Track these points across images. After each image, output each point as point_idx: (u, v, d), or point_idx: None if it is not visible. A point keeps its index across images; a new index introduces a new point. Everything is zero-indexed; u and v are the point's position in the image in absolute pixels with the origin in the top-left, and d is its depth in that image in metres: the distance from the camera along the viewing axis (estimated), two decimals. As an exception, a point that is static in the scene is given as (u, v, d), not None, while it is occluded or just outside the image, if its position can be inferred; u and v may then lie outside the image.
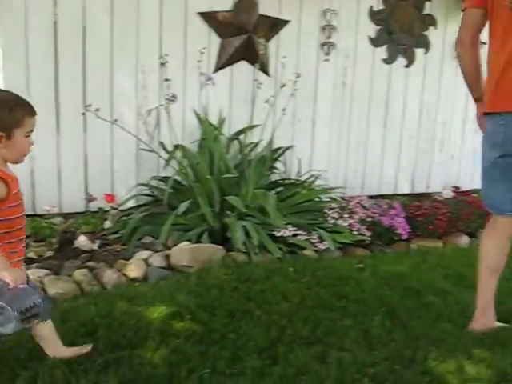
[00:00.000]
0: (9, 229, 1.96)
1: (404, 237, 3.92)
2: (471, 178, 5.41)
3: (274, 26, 4.34)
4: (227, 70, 4.25)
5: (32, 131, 1.98)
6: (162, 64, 3.92)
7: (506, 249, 2.69)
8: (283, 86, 4.13)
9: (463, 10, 2.60)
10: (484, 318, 2.74)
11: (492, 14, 2.51)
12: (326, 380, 2.20)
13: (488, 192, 2.66)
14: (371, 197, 4.83)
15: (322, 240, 3.57)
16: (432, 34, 4.94)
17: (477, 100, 2.68)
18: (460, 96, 5.15)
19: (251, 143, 4.20)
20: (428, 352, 2.48)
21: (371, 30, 4.67)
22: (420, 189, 5.19)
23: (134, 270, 3.17)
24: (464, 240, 4.10)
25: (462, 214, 4.18)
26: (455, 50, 2.68)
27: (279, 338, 2.50)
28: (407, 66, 4.87)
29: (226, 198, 3.63)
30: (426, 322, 2.74)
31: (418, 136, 5.05)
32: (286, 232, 3.51)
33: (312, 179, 4.22)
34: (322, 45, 4.49)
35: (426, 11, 4.89)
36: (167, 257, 3.35)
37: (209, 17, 4.13)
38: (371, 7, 4.63)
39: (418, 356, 2.43)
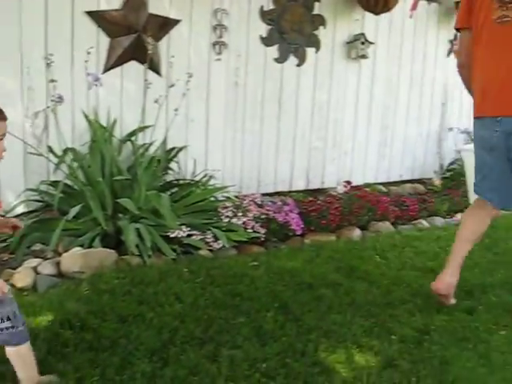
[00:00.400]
0: None
1: (298, 232, 3.99)
2: (363, 173, 5.61)
3: (165, 25, 4.29)
4: (117, 70, 4.15)
5: (5, 135, 1.87)
6: (47, 64, 3.78)
7: (486, 224, 3.09)
8: (172, 85, 4.08)
9: (457, 30, 2.94)
10: (451, 279, 3.06)
11: (483, 26, 2.76)
12: (217, 379, 2.20)
13: None
14: (268, 194, 4.90)
15: (216, 239, 3.57)
16: (322, 33, 5.06)
17: None
18: (351, 94, 5.33)
19: (144, 144, 4.13)
20: (319, 344, 2.54)
21: (262, 29, 4.72)
22: (315, 185, 5.30)
23: (21, 278, 3.04)
24: (356, 233, 4.22)
25: (353, 208, 4.31)
26: (458, 68, 3.00)
27: (171, 340, 2.47)
28: (299, 65, 4.96)
29: (119, 200, 3.55)
30: (317, 315, 2.81)
31: (311, 133, 5.16)
32: (180, 233, 3.48)
33: (206, 179, 4.22)
34: (214, 44, 4.49)
35: (316, 11, 4.99)
36: (58, 264, 3.24)
37: (97, 16, 4.01)
38: (262, 7, 4.68)
39: (308, 348, 2.49)
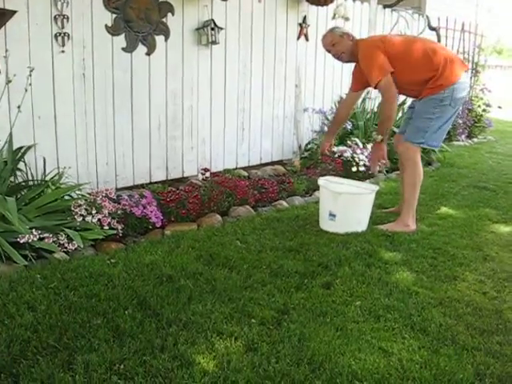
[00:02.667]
0: None
1: (158, 225, 3.92)
2: (223, 159, 5.63)
3: (0, 17, 4.00)
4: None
5: None
6: None
7: None
8: (9, 81, 3.84)
9: (383, 78, 4.02)
10: (412, 223, 4.23)
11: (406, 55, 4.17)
12: (70, 387, 2.10)
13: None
14: (128, 188, 4.78)
15: (71, 240, 3.41)
16: (170, 20, 4.98)
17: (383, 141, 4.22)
18: (204, 80, 5.31)
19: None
20: (178, 337, 2.51)
21: (107, 18, 4.55)
22: (176, 175, 5.24)
23: None
24: (217, 219, 4.22)
25: (212, 195, 4.31)
26: (392, 103, 4.14)
27: (22, 353, 2.33)
28: (148, 54, 4.85)
29: (-41, 208, 3.29)
30: (177, 307, 2.77)
31: (167, 123, 5.08)
32: (31, 237, 3.29)
33: (57, 178, 4.02)
34: (56, 36, 4.26)
35: (163, -2, 4.91)
36: None
37: None
38: (105, -5, 4.52)
39: (168, 343, 2.45)
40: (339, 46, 4.37)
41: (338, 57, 4.46)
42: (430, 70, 4.11)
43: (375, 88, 4.16)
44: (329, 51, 4.47)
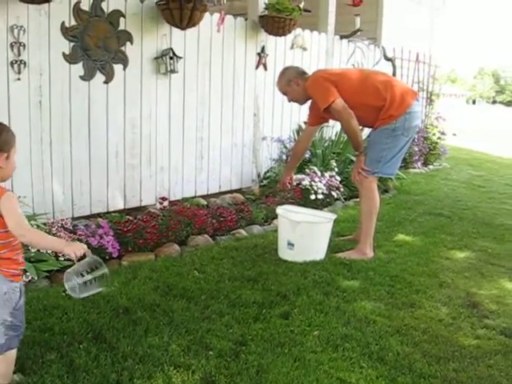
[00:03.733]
0: None
1: (115, 255, 3.86)
2: (182, 187, 5.61)
3: (-46, 44, 3.95)
4: None
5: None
6: None
7: None
8: (-38, 109, 3.78)
9: (334, 101, 4.16)
10: (370, 250, 4.28)
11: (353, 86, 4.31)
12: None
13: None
14: (85, 217, 4.71)
15: (24, 272, 3.33)
16: (129, 49, 4.97)
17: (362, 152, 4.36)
18: (163, 109, 5.31)
19: None
20: (134, 371, 2.46)
21: (65, 46, 4.52)
22: (134, 203, 5.19)
23: None
24: (175, 249, 4.18)
25: (171, 224, 4.28)
26: (351, 121, 4.22)
27: (-30, 391, 2.25)
28: (106, 82, 4.83)
29: None
30: (133, 340, 2.73)
31: (125, 151, 5.04)
32: (-17, 268, 3.20)
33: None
34: (12, 63, 4.21)
35: (122, 27, 4.90)
36: None
37: None
38: (63, 23, 4.48)
39: (123, 377, 2.41)
40: (289, 93, 4.59)
41: (294, 101, 4.65)
42: (378, 100, 4.23)
43: (326, 110, 4.26)
44: (285, 95, 4.68)
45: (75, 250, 2.19)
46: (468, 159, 11.35)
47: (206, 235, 4.50)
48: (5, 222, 2.15)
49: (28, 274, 3.33)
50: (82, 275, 2.22)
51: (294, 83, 4.47)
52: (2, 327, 2.18)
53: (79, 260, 2.23)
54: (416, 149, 8.74)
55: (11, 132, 2.29)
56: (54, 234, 3.61)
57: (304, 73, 4.58)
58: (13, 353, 2.26)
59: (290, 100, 4.66)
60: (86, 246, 2.23)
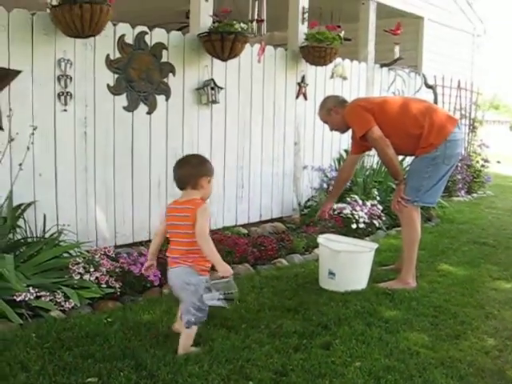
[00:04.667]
0: None
1: (156, 283, 3.89)
2: (223, 216, 5.63)
3: (5, 76, 4.09)
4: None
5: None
6: None
7: None
8: (12, 140, 3.90)
9: (370, 129, 4.15)
10: (412, 280, 4.23)
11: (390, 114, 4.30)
12: None
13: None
14: (127, 245, 4.77)
15: (67, 298, 3.39)
16: (171, 80, 5.08)
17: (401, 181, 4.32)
18: (204, 139, 5.37)
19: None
20: (174, 400, 2.46)
21: (109, 78, 4.65)
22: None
23: None
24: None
25: (212, 253, 4.29)
26: (387, 150, 4.17)
27: (13, 416, 2.28)
28: (149, 113, 4.93)
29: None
30: (173, 368, 2.73)
31: (167, 180, 5.10)
32: (28, 295, 3.26)
33: (56, 235, 4.03)
34: (59, 95, 4.34)
35: (164, 59, 5.01)
36: None
37: None
38: (108, 55, 4.61)
39: (164, 406, 2.40)
40: (330, 122, 4.62)
41: (335, 130, 4.66)
42: (416, 128, 4.20)
43: (363, 138, 4.26)
44: (326, 124, 4.72)
45: (224, 271, 2.83)
46: (513, 187, 11.11)
47: (246, 264, 4.50)
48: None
49: (71, 300, 3.38)
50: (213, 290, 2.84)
51: (333, 112, 4.49)
52: (193, 309, 2.87)
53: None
54: (459, 177, 8.60)
55: (209, 162, 3.12)
56: (96, 262, 3.67)
57: (344, 101, 4.59)
58: (195, 329, 2.93)
59: (332, 129, 4.68)
60: (231, 271, 2.88)
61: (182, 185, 3.00)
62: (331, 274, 4.05)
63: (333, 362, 2.91)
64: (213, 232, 4.92)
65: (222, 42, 4.96)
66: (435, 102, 8.34)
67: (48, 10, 4.09)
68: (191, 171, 2.98)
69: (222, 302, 2.81)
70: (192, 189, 2.98)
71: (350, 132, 4.61)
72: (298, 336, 3.19)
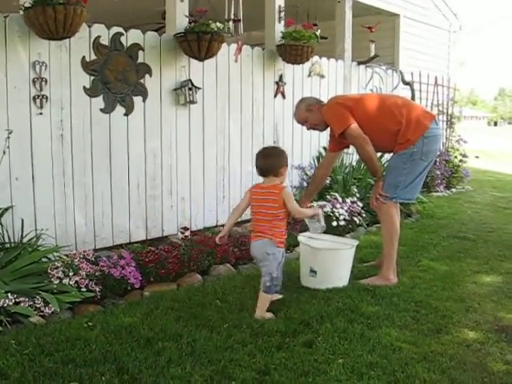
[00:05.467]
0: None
1: (137, 285, 3.86)
2: (203, 217, 5.61)
3: (-22, 80, 4.04)
4: None
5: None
6: None
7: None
8: (-14, 144, 3.85)
9: (348, 127, 4.18)
10: (393, 276, 4.24)
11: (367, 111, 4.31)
12: None
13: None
14: (107, 248, 4.73)
15: (47, 303, 3.34)
16: (148, 81, 5.05)
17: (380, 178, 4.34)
18: (183, 139, 5.35)
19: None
20: (156, 403, 2.44)
21: (86, 80, 4.60)
22: (156, 234, 5.20)
23: None
24: (197, 279, 4.17)
25: (192, 254, 4.28)
26: (366, 147, 4.18)
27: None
28: (126, 114, 4.89)
29: None
30: (155, 371, 2.72)
31: (146, 181, 5.08)
32: (6, 301, 3.22)
33: (35, 240, 3.98)
34: (35, 98, 4.29)
35: (140, 60, 4.98)
36: None
37: None
38: (83, 57, 4.57)
39: (145, 410, 2.38)
40: (310, 119, 4.55)
41: (313, 129, 4.63)
42: (393, 124, 4.22)
43: (341, 135, 4.26)
44: (303, 125, 4.63)
45: (313, 212, 3.80)
46: (491, 181, 11.22)
47: (228, 264, 4.49)
48: (284, 205, 3.50)
49: (51, 305, 3.34)
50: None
51: (313, 107, 4.47)
52: (270, 275, 3.47)
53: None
54: (438, 172, 8.67)
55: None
56: (76, 266, 3.63)
57: (321, 101, 4.59)
58: (269, 296, 3.51)
59: (309, 127, 4.65)
60: (317, 211, 3.86)
61: (265, 173, 3.60)
62: (312, 271, 4.05)
63: (315, 360, 2.91)
64: (193, 233, 4.92)
65: (198, 42, 4.94)
66: (413, 98, 8.39)
67: (21, 12, 4.04)
68: (274, 162, 3.60)
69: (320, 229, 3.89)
70: (273, 176, 3.58)
71: (328, 130, 4.61)
72: (280, 335, 3.19)
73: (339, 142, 4.47)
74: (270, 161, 3.60)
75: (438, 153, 4.69)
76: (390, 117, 4.24)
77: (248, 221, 5.84)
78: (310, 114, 4.50)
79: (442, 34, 10.30)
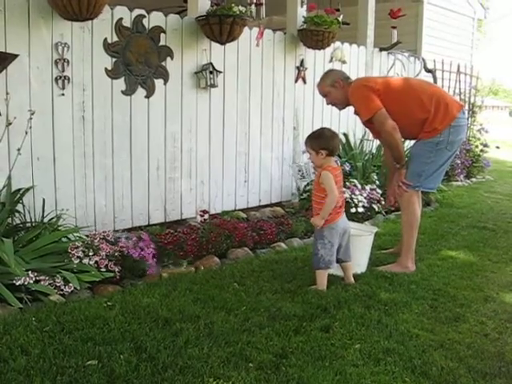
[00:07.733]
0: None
1: (154, 268, 3.89)
2: (222, 201, 5.63)
3: (2, 60, 4.05)
4: None
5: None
6: None
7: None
8: (9, 124, 3.88)
9: (376, 112, 4.05)
10: (411, 264, 4.21)
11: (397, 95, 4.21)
12: None
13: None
14: (126, 230, 4.76)
15: (67, 282, 3.38)
16: (170, 64, 5.04)
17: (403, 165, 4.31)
18: (203, 123, 5.35)
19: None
20: (174, 382, 2.46)
21: (107, 61, 4.62)
22: (174, 216, 5.23)
23: None
24: (215, 262, 4.18)
25: (211, 237, 4.29)
26: (394, 134, 4.08)
27: (14, 399, 2.29)
28: (147, 97, 4.90)
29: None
30: (173, 351, 2.74)
31: (166, 164, 5.10)
32: (27, 279, 3.26)
33: (55, 220, 4.02)
34: (57, 79, 4.31)
35: (162, 43, 4.97)
36: None
37: None
38: (105, 39, 4.58)
39: (163, 388, 2.40)
40: (331, 95, 4.42)
41: (333, 105, 4.54)
42: (422, 112, 4.13)
43: (367, 123, 4.19)
44: (324, 97, 4.53)
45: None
46: (512, 172, 11.10)
47: (245, 248, 4.50)
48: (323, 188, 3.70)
49: (71, 284, 3.38)
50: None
51: (338, 84, 4.33)
52: (324, 251, 3.74)
53: None
54: (458, 161, 8.58)
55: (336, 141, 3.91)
56: (96, 246, 3.66)
57: (348, 78, 4.46)
58: (322, 271, 3.75)
59: (329, 103, 4.51)
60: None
61: (335, 153, 3.97)
62: (331, 257, 4.04)
63: (332, 345, 2.92)
64: (212, 216, 4.93)
65: (220, 26, 4.92)
66: (434, 86, 8.29)
67: (45, -7, 4.06)
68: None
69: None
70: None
71: (350, 116, 4.55)
72: (297, 319, 3.19)
73: (371, 128, 4.40)
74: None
75: (461, 143, 4.60)
76: (418, 104, 4.16)
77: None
78: (333, 89, 4.36)
79: (466, 21, 10.16)
